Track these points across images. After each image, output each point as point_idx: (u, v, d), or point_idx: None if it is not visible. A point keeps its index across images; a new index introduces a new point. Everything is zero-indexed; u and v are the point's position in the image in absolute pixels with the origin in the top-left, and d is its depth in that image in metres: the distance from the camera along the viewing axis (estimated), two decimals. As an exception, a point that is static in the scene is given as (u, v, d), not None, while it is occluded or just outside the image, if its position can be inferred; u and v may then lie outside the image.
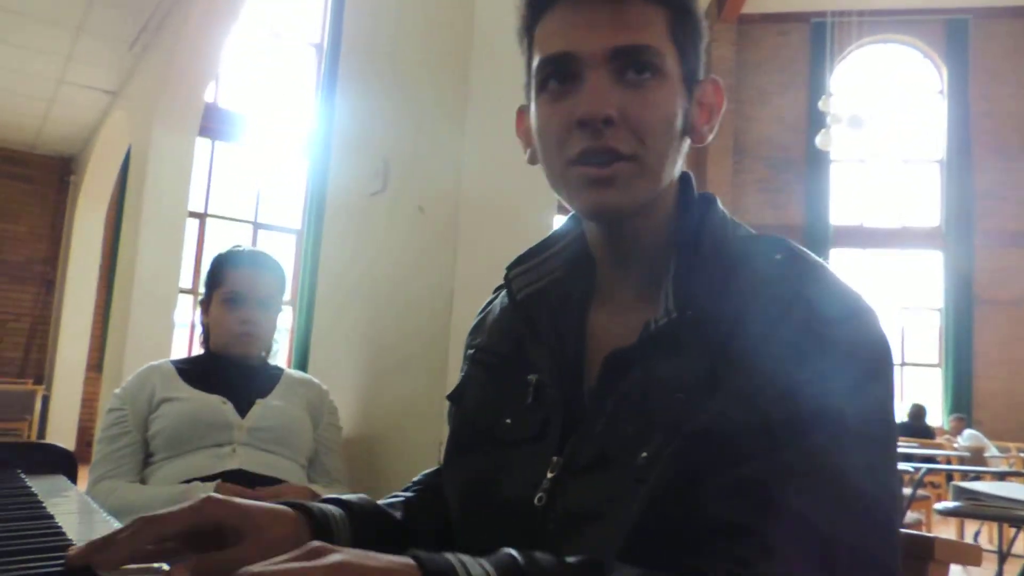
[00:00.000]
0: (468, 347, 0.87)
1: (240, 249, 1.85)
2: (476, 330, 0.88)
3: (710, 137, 0.75)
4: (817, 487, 0.58)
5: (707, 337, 0.65)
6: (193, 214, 7.33)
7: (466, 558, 0.53)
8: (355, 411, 2.04)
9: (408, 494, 0.88)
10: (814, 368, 0.61)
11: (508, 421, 0.76)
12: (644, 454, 0.63)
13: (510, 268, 0.80)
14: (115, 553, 0.62)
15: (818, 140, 7.83)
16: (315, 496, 1.65)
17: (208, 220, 8.06)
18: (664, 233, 0.74)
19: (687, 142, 0.74)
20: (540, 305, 0.78)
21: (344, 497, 0.79)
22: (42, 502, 0.93)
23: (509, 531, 0.70)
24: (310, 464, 1.79)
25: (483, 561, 0.53)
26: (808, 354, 0.61)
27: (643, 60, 0.69)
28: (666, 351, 0.67)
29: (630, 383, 0.68)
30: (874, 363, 0.63)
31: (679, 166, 0.74)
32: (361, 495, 0.81)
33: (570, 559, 0.56)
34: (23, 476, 1.11)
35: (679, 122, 0.71)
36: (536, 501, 0.69)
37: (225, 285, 1.77)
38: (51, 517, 0.84)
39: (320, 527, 0.72)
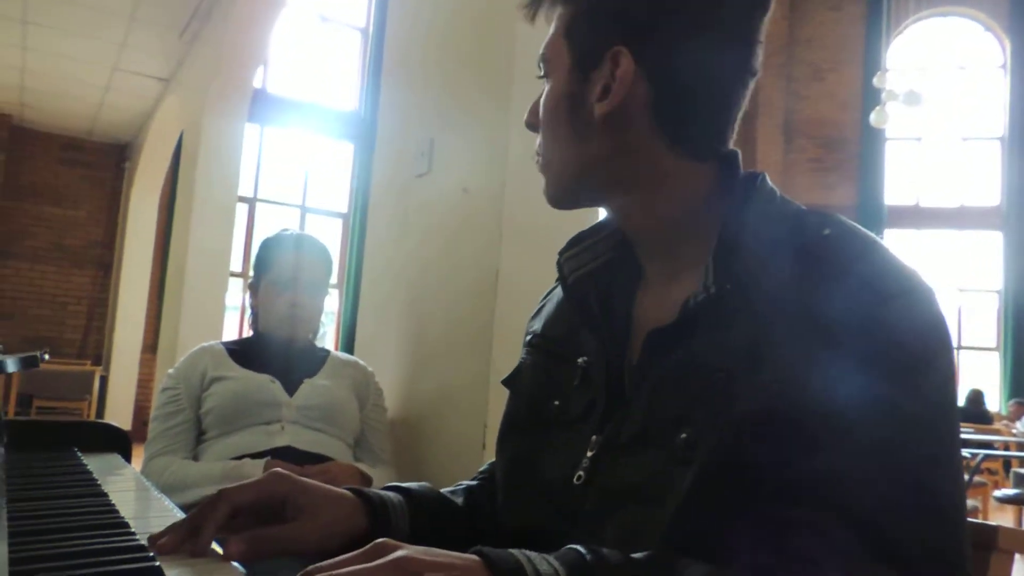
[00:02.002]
0: (526, 334, 0.88)
1: (287, 233, 1.88)
2: (535, 317, 0.88)
3: (606, 108, 0.71)
4: (876, 483, 0.56)
5: (749, 314, 0.63)
6: (243, 199, 7.43)
7: (532, 554, 0.53)
8: (400, 393, 2.05)
9: (472, 482, 0.90)
10: (865, 351, 0.58)
11: (556, 403, 0.76)
12: (684, 435, 0.62)
13: (561, 253, 0.80)
14: (205, 537, 0.66)
15: (873, 118, 7.61)
16: (362, 475, 1.67)
17: (257, 204, 8.18)
18: (693, 212, 0.72)
19: (591, 121, 0.72)
20: (589, 288, 0.77)
21: (404, 485, 0.81)
22: (97, 480, 0.95)
23: (548, 509, 0.71)
24: (356, 444, 1.81)
25: (549, 557, 0.53)
26: (858, 335, 0.59)
27: (543, 69, 0.77)
28: (706, 328, 0.65)
29: (671, 362, 0.66)
30: (931, 344, 0.60)
31: (589, 145, 0.72)
32: (423, 483, 0.84)
33: (637, 555, 0.55)
34: (79, 454, 1.14)
35: (563, 111, 0.74)
36: (575, 480, 0.69)
37: (273, 269, 1.80)
38: (105, 495, 0.86)
39: (377, 512, 0.75)
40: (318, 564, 0.51)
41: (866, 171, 10.05)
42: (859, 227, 0.66)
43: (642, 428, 0.66)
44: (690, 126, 0.71)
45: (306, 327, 1.83)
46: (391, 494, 0.79)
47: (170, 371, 1.78)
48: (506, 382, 0.85)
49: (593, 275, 0.78)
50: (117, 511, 0.78)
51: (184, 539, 0.65)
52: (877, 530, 0.55)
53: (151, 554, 0.62)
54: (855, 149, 10.14)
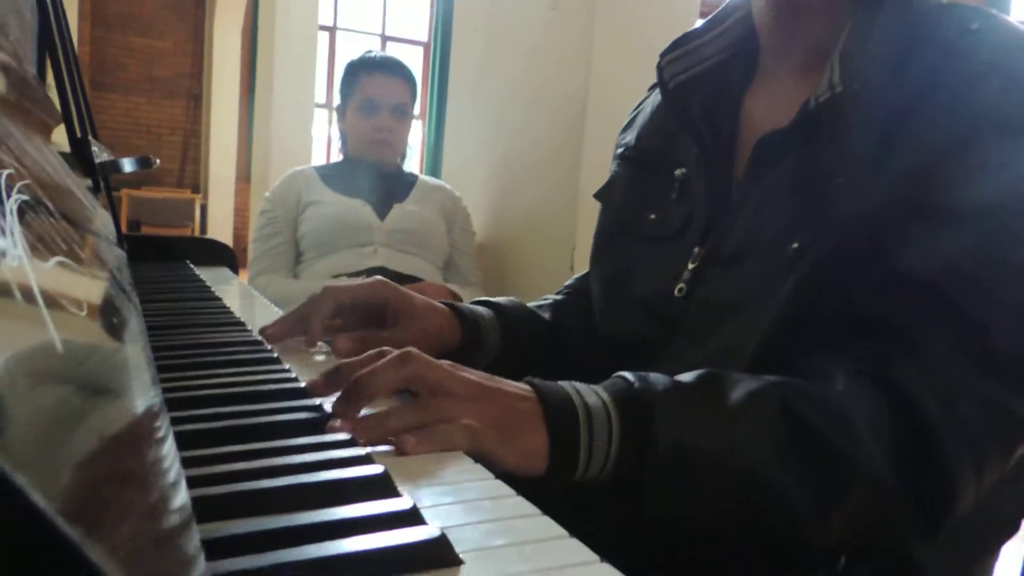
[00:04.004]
0: (617, 146, 0.85)
1: (373, 55, 1.86)
2: (626, 128, 0.85)
3: None
4: (980, 281, 0.53)
5: (876, 115, 0.58)
6: (323, 27, 7.31)
7: (580, 385, 0.52)
8: (488, 217, 2.08)
9: (558, 296, 0.90)
10: (1000, 148, 0.54)
11: (652, 217, 0.75)
12: (795, 244, 0.59)
13: (663, 55, 0.75)
14: (315, 327, 0.69)
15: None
16: (454, 295, 1.74)
17: (338, 33, 8.05)
18: (837, 4, 0.66)
19: None
20: (693, 93, 0.73)
21: (494, 300, 0.82)
22: (211, 287, 1.02)
23: (648, 321, 0.71)
24: (446, 267, 1.87)
25: (597, 388, 0.52)
26: (995, 132, 0.54)
27: None
28: (828, 131, 0.61)
29: (784, 168, 0.63)
30: None
31: None
32: (511, 298, 0.84)
33: (684, 376, 0.54)
34: (192, 266, 1.22)
35: None
36: (676, 292, 0.69)
37: (360, 92, 1.80)
38: (219, 299, 0.93)
39: (469, 325, 0.76)
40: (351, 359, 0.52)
41: (992, -15, 9.07)
42: (1012, 22, 0.60)
43: (748, 239, 0.64)
44: None
45: (393, 151, 1.85)
46: (482, 309, 0.80)
47: (267, 194, 1.85)
48: (597, 195, 0.84)
49: (698, 80, 0.73)
50: (232, 312, 0.84)
51: (292, 329, 0.70)
52: (968, 333, 0.52)
53: (268, 347, 0.67)
54: (982, -40, 9.10)
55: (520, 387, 0.51)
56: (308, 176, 1.84)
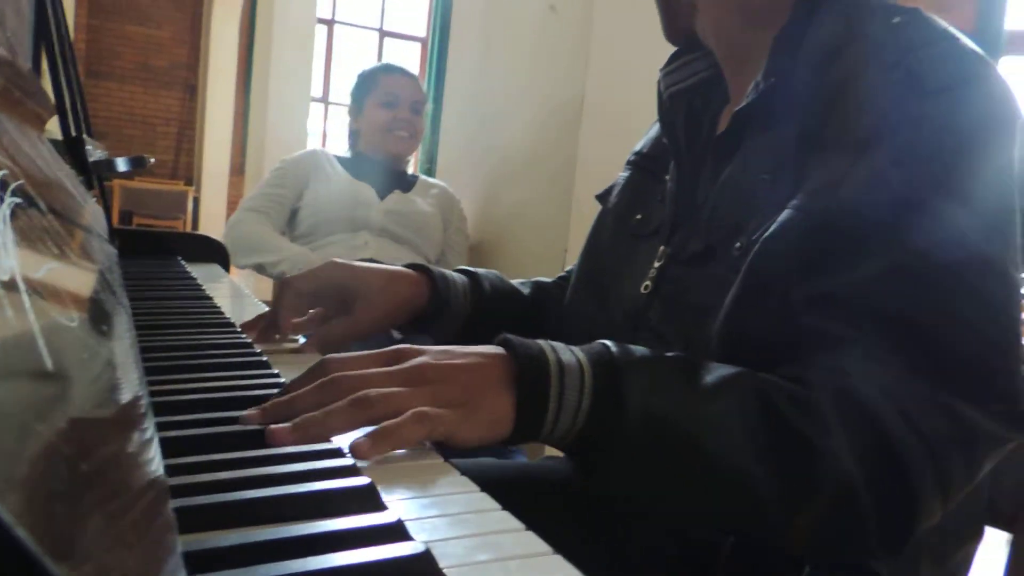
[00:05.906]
0: (631, 154, 0.87)
1: (385, 62, 1.97)
2: (643, 137, 0.88)
3: None
4: (916, 289, 0.52)
5: (796, 111, 0.59)
6: (321, 20, 7.29)
7: (557, 344, 0.52)
8: (480, 217, 2.08)
9: (546, 279, 0.93)
10: (901, 151, 0.54)
11: (639, 217, 0.77)
12: (738, 244, 0.60)
13: (662, 68, 0.78)
14: (284, 323, 0.73)
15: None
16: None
17: (336, 27, 8.02)
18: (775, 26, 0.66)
19: None
20: (680, 105, 0.76)
21: (473, 269, 0.84)
22: (202, 286, 1.01)
23: (615, 316, 0.73)
24: (437, 264, 1.88)
25: (574, 348, 0.52)
26: (896, 132, 0.54)
27: None
28: (756, 130, 0.63)
29: (731, 169, 0.65)
30: (977, 143, 0.55)
31: None
32: (494, 271, 0.86)
33: (668, 353, 0.53)
34: (183, 263, 1.21)
35: None
36: (643, 289, 0.71)
37: (380, 88, 1.89)
38: (210, 298, 0.92)
39: (438, 288, 0.78)
40: (335, 356, 0.50)
41: (989, -5, 9.10)
42: (938, 20, 0.60)
43: (705, 240, 0.66)
44: None
45: (409, 147, 1.94)
46: (457, 275, 0.82)
47: (283, 158, 1.93)
48: (599, 196, 0.87)
49: (687, 92, 0.76)
50: (223, 312, 0.83)
51: (268, 326, 0.73)
52: (918, 342, 0.51)
53: (258, 349, 0.67)
54: (980, -31, 9.14)
55: (485, 350, 0.50)
56: (327, 155, 1.93)
